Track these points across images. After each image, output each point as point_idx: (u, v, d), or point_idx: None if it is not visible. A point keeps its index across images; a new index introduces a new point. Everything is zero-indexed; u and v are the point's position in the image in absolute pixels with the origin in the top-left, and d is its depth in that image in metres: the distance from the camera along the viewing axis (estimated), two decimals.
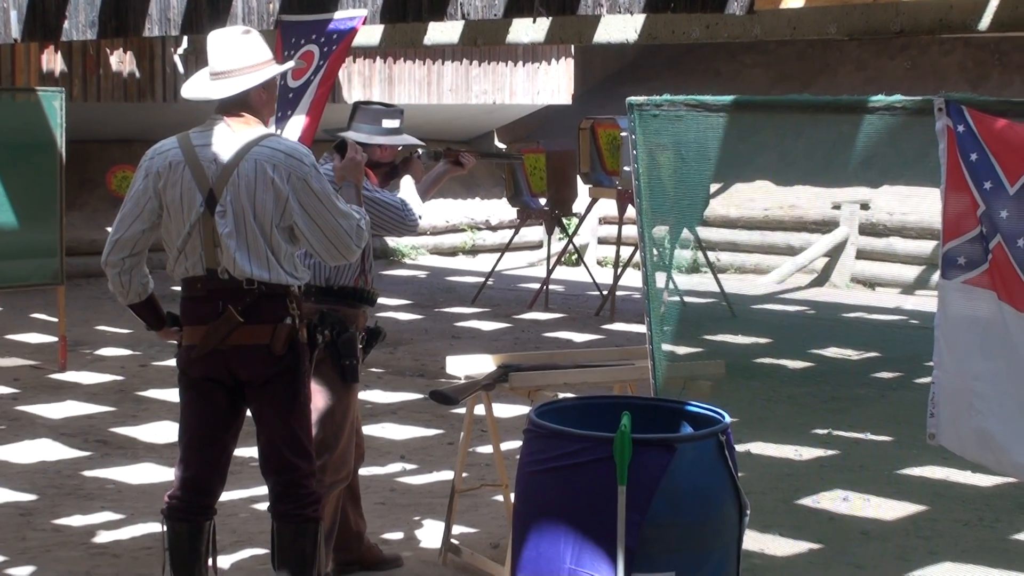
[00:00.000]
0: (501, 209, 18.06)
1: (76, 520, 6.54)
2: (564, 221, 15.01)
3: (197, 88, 4.78)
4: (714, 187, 16.50)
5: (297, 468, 4.71)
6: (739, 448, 4.08)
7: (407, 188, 5.74)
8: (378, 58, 16.75)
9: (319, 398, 5.31)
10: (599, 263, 17.66)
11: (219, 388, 4.69)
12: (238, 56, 4.68)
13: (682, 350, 8.40)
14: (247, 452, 6.30)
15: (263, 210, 4.57)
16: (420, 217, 5.63)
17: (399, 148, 5.77)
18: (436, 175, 6.00)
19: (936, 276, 13.69)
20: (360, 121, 5.65)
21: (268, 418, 4.70)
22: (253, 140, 4.62)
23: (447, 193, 18.03)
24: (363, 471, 6.24)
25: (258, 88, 4.69)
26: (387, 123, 5.66)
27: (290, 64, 5.48)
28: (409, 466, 7.59)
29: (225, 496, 5.07)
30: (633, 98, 4.80)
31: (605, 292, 13.66)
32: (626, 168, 12.23)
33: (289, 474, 4.71)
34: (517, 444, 5.53)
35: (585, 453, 3.81)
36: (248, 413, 4.79)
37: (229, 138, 4.62)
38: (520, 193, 14.23)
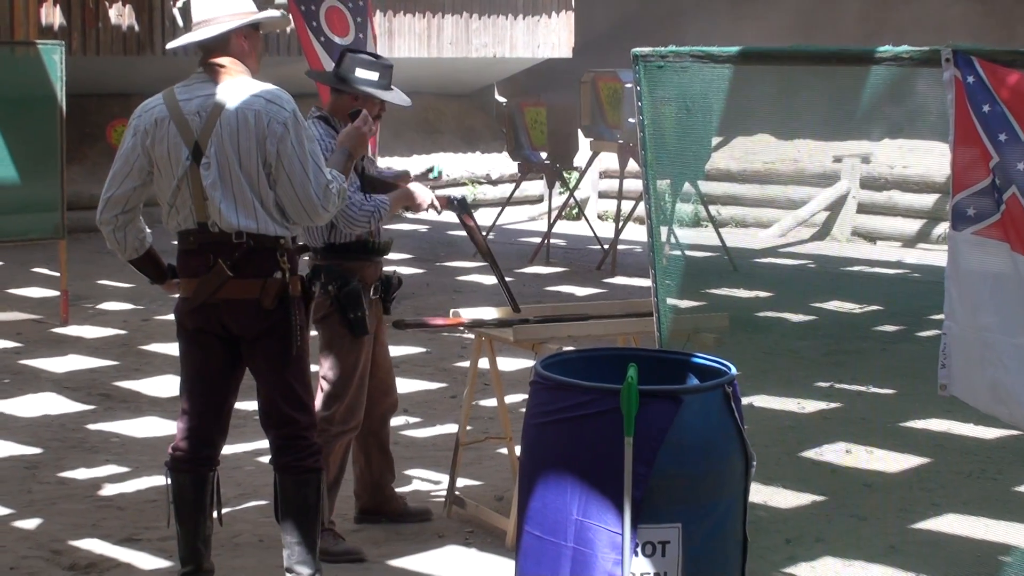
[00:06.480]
0: (502, 163, 17.99)
1: (81, 473, 6.56)
2: (565, 175, 14.96)
3: (180, 39, 4.83)
4: (715, 140, 16.42)
5: (296, 421, 4.73)
6: (743, 401, 4.07)
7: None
8: (377, 11, 16.64)
9: (328, 351, 5.42)
10: (600, 217, 17.62)
11: (215, 339, 4.71)
12: (219, 5, 4.69)
13: (685, 303, 8.38)
14: (250, 406, 6.30)
15: (248, 158, 4.57)
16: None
17: (381, 104, 5.51)
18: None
19: (937, 229, 13.70)
20: (340, 68, 5.49)
21: (264, 373, 4.73)
22: (234, 89, 4.62)
23: (447, 147, 17.96)
24: None
25: (238, 35, 4.69)
26: (360, 73, 5.43)
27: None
28: (413, 419, 7.61)
29: (229, 450, 5.09)
30: (638, 49, 4.76)
31: (606, 246, 13.64)
32: (630, 120, 12.18)
33: (288, 427, 4.74)
34: (520, 397, 5.55)
35: (592, 405, 3.80)
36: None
37: (211, 89, 4.64)
38: (521, 147, 14.19)
